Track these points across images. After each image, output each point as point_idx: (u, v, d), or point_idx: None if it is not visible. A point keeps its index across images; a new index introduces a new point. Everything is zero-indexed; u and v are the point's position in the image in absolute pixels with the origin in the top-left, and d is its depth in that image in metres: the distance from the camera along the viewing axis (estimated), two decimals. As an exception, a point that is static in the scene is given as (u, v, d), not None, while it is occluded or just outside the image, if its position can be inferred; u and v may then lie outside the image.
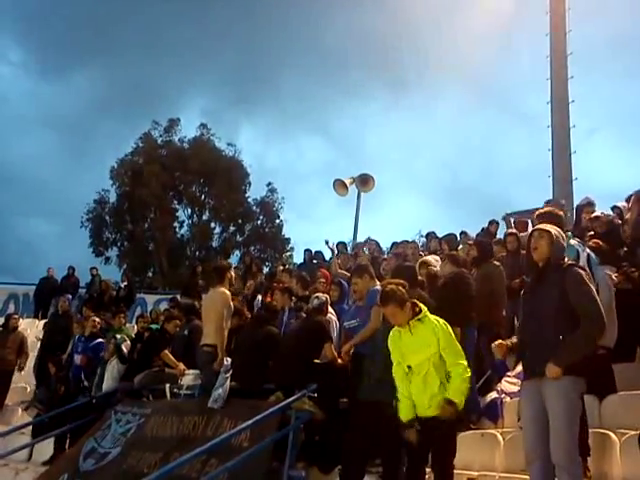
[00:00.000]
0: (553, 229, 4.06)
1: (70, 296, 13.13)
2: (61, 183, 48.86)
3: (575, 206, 9.69)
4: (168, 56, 46.41)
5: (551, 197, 13.59)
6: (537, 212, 5.18)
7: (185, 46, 46.40)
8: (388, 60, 46.62)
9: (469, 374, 4.36)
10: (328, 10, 48.35)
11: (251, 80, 49.73)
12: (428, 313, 4.50)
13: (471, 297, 5.96)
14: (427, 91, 56.03)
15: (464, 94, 51.57)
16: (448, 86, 52.72)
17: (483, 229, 11.11)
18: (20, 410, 10.20)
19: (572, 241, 5.01)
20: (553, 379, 3.70)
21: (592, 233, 7.33)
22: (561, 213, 5.21)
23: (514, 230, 8.99)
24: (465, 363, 4.34)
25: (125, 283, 15.05)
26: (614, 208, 8.36)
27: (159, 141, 30.89)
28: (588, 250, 5.38)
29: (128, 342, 8.52)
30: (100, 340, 8.92)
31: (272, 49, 46.34)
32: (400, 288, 4.48)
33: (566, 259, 4.13)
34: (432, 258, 6.93)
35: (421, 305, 4.53)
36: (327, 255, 11.41)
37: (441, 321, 4.47)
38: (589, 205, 8.80)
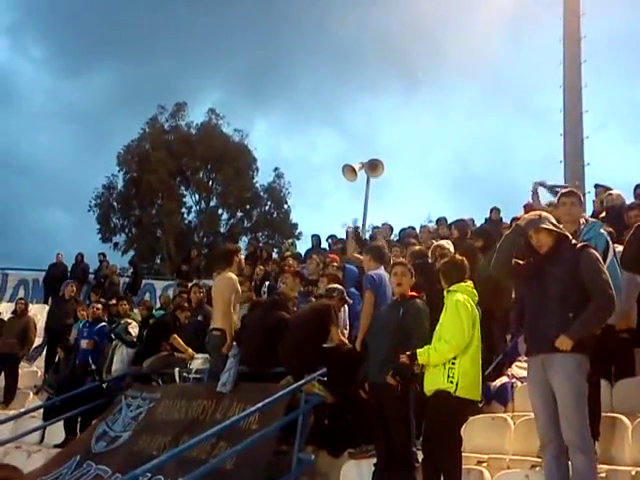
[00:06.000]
0: (545, 221, 4.01)
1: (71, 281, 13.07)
2: (77, 174, 49.40)
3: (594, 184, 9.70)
4: (183, 53, 46.64)
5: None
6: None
7: (201, 43, 46.70)
8: (401, 56, 46.42)
9: (449, 355, 4.43)
10: (343, 7, 48.08)
11: (266, 75, 49.98)
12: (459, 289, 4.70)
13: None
14: (440, 85, 55.60)
15: (476, 87, 51.31)
16: (460, 79, 52.44)
17: (486, 219, 11.13)
18: (31, 394, 10.31)
19: (602, 230, 4.83)
20: (559, 356, 3.71)
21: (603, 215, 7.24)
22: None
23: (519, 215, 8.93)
24: (453, 346, 4.42)
25: (131, 270, 15.09)
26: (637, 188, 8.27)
27: (166, 126, 30.78)
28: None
29: (134, 325, 8.59)
30: (104, 324, 9.02)
31: (287, 45, 46.32)
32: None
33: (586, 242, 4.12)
34: (445, 242, 6.89)
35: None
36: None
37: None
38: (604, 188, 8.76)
